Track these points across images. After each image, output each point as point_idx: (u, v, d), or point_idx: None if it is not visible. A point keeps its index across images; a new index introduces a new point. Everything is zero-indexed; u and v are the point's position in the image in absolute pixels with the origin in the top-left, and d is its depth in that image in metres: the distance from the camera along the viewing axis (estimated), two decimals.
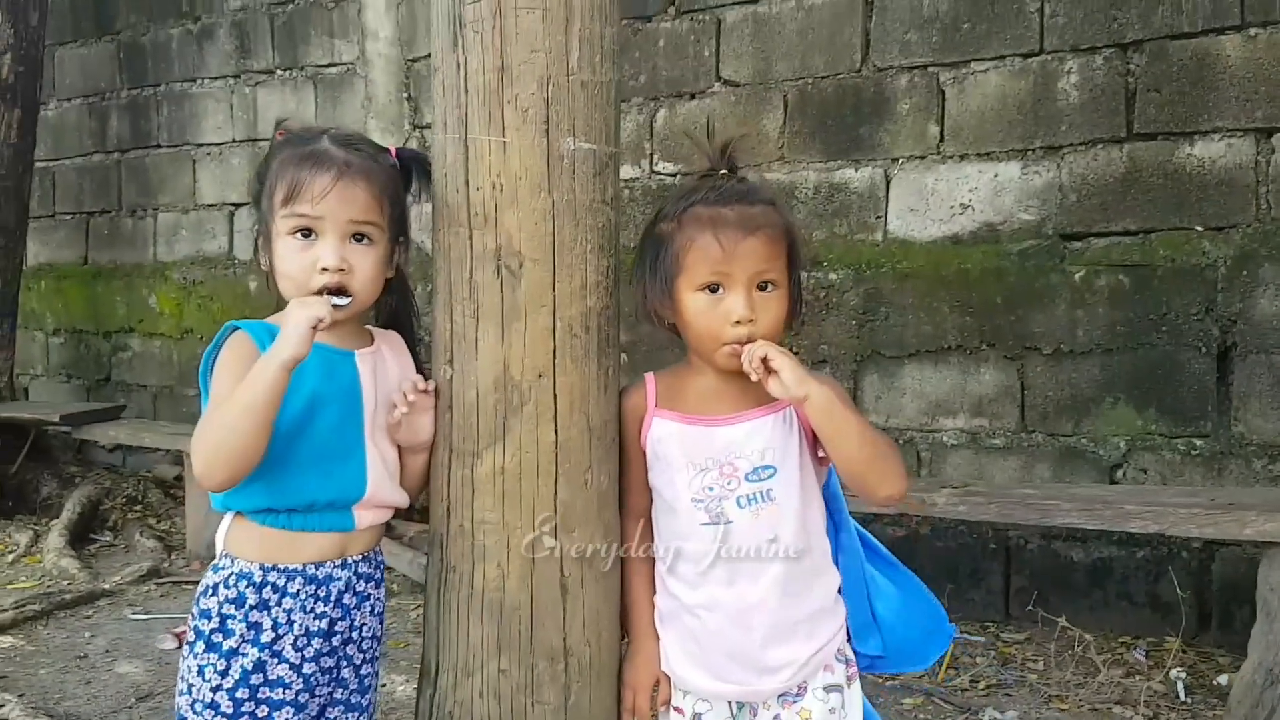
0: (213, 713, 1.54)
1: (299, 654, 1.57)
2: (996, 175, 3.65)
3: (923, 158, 3.78)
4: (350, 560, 1.62)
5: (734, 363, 1.53)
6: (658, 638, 1.65)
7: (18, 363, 5.57)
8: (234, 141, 5.53)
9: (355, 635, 1.64)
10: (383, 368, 1.65)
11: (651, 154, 4.26)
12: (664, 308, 1.60)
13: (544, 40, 1.54)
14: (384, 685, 3.08)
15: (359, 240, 1.57)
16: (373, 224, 1.57)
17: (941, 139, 3.74)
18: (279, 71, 5.34)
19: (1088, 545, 3.51)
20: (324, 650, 1.60)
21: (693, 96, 4.19)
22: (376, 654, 1.71)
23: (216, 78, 5.56)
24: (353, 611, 1.62)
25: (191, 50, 5.65)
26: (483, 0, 1.53)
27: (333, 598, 1.59)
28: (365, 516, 1.62)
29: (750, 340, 1.52)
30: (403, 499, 1.68)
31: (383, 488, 1.62)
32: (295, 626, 1.57)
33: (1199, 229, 3.35)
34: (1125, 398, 3.46)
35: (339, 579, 1.60)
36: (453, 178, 1.60)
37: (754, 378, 1.49)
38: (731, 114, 4.09)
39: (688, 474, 1.56)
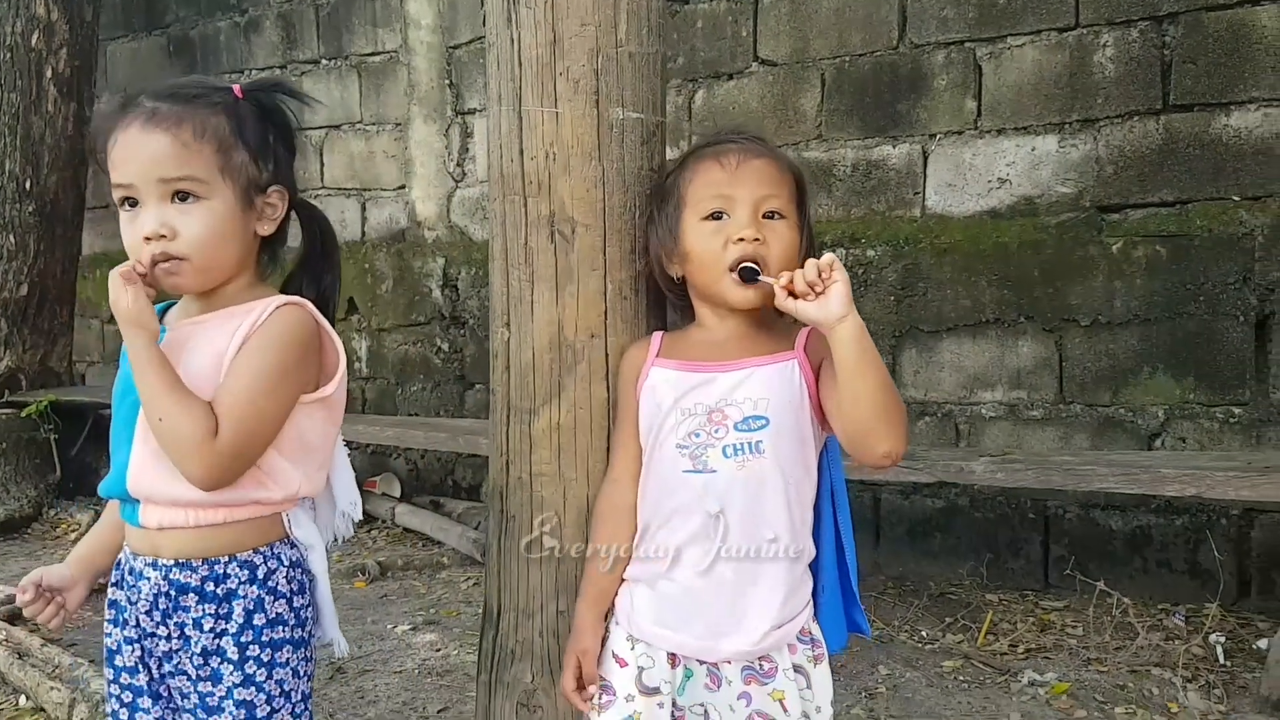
0: (108, 691, 1.51)
1: (134, 645, 1.44)
2: (1034, 149, 3.68)
3: (960, 133, 3.81)
4: (161, 563, 1.40)
5: (744, 295, 1.47)
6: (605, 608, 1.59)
7: (75, 350, 5.71)
8: None
9: (174, 645, 1.42)
10: (194, 345, 1.41)
11: (690, 135, 4.30)
12: (671, 255, 1.56)
13: (594, 14, 1.61)
14: (439, 649, 3.18)
15: (182, 199, 1.36)
16: (192, 178, 1.35)
17: (979, 114, 3.77)
18: (324, 61, 5.44)
19: (1126, 514, 3.54)
20: (147, 645, 1.43)
21: (730, 77, 4.24)
22: (229, 675, 1.41)
23: (264, 68, 5.67)
24: (169, 618, 1.41)
25: (239, 42, 5.76)
26: None
27: (142, 595, 1.41)
28: (151, 514, 1.40)
29: (755, 258, 1.45)
30: (188, 494, 1.36)
31: (143, 481, 1.39)
32: (129, 614, 1.45)
33: (1236, 199, 3.37)
34: (1163, 367, 3.49)
35: (149, 578, 1.41)
36: (508, 148, 1.67)
37: (800, 287, 1.37)
38: (769, 93, 4.14)
39: (675, 418, 1.49)
